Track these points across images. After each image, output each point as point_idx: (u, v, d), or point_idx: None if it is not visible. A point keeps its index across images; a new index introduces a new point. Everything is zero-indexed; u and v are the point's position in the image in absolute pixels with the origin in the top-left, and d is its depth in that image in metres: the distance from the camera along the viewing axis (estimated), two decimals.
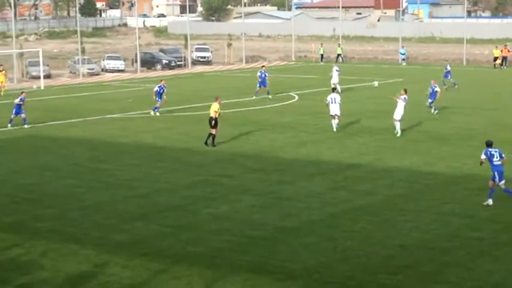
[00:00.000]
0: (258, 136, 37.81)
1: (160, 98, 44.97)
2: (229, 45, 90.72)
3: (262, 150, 34.00)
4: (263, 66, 56.81)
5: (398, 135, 36.72)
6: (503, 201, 24.73)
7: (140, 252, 20.17)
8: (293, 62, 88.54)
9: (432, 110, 43.53)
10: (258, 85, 52.68)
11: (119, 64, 79.99)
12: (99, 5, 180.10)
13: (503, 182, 24.49)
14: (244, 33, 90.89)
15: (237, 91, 56.04)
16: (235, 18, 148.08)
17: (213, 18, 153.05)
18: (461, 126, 40.04)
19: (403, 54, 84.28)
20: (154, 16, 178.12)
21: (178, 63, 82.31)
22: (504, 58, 78.40)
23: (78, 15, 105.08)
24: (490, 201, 24.26)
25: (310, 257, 19.57)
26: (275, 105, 49.40)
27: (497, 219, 22.76)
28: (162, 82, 45.95)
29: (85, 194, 26.60)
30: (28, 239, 21.52)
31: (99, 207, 24.83)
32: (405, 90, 38.08)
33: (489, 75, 70.79)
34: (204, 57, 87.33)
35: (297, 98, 52.92)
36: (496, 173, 24.48)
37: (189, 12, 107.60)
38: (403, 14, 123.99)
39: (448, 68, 58.54)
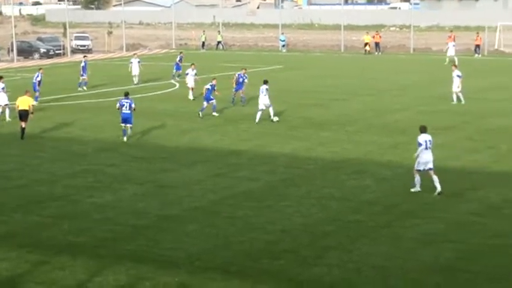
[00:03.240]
0: (140, 125, 37.55)
1: (38, 87, 44.31)
2: (110, 33, 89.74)
3: (145, 139, 33.91)
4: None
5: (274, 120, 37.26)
6: (380, 184, 25.47)
7: (19, 243, 19.86)
8: (174, 50, 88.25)
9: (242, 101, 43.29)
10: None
11: None
12: None
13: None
14: (124, 21, 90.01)
15: (118, 79, 55.52)
16: (114, 6, 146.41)
17: (93, 6, 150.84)
18: (339, 112, 40.85)
19: (283, 41, 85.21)
20: (29, 4, 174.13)
21: (57, 52, 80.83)
22: (377, 44, 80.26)
23: None
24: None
25: (193, 244, 19.70)
26: (156, 93, 49.23)
27: (375, 201, 23.41)
28: (41, 71, 45.32)
29: None
30: None
31: None
32: (265, 81, 38.19)
33: (366, 61, 72.33)
34: (84, 46, 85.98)
35: (177, 86, 52.87)
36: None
37: (68, 0, 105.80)
38: (282, 1, 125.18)
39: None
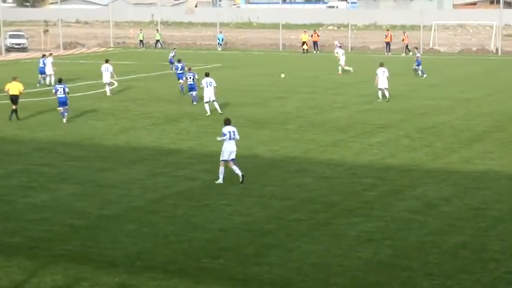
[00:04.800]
0: (78, 123, 37.22)
1: None
2: (46, 31, 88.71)
3: (83, 138, 33.52)
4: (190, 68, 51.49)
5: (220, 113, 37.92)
6: (320, 182, 25.52)
7: None
8: (112, 48, 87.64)
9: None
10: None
11: None
12: None
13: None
14: (61, 19, 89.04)
15: (55, 77, 54.74)
16: (51, 4, 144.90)
17: (28, 4, 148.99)
18: (278, 110, 40.92)
19: (221, 40, 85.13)
20: None
21: None
22: (315, 43, 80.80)
23: None
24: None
25: (132, 243, 19.48)
26: (93, 92, 48.72)
27: (314, 200, 23.42)
28: None
29: None
30: None
31: None
32: (207, 74, 39.74)
33: (304, 60, 72.63)
34: (19, 44, 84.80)
35: (116, 84, 52.40)
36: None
37: None
38: (220, 0, 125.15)
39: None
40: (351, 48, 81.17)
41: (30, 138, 33.58)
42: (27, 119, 38.54)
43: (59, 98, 37.45)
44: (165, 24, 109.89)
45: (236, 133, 25.95)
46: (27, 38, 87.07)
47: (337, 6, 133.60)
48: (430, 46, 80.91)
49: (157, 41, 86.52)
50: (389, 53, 76.92)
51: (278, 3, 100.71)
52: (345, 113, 39.73)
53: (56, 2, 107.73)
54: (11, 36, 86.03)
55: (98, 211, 22.41)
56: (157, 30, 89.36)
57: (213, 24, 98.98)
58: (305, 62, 69.69)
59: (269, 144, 31.98)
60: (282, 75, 54.84)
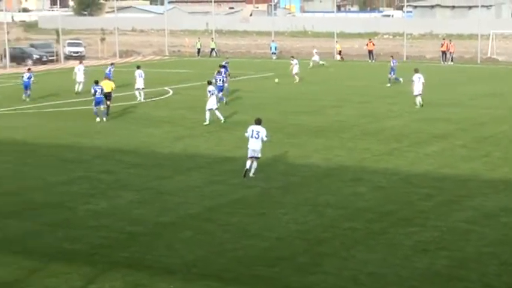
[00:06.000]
0: (136, 131, 37.63)
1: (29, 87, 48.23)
2: (103, 39, 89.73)
3: (140, 145, 33.87)
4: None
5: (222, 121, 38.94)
6: (375, 191, 25.47)
7: (13, 250, 19.78)
8: (167, 57, 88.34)
9: None
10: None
11: None
12: None
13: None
14: (117, 28, 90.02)
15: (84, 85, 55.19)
16: (107, 12, 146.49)
17: (85, 12, 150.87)
18: (333, 118, 40.91)
19: (275, 49, 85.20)
20: (19, 11, 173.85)
21: (50, 58, 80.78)
22: (370, 52, 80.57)
23: None
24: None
25: (188, 251, 19.64)
26: (151, 99, 49.21)
27: (369, 209, 23.37)
28: (30, 71, 49.59)
29: None
30: None
31: None
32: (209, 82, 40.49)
33: (359, 68, 72.45)
34: (77, 52, 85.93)
35: (171, 92, 52.87)
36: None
37: (61, 7, 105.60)
38: (275, 9, 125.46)
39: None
40: (406, 57, 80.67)
41: (90, 145, 34.04)
42: (87, 126, 39.06)
43: (96, 98, 39.99)
44: (220, 32, 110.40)
45: (261, 134, 27.02)
46: (84, 46, 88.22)
47: (392, 15, 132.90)
48: (488, 55, 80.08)
49: (212, 49, 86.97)
50: (445, 62, 76.34)
51: (333, 12, 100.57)
52: (400, 121, 39.56)
53: (113, 11, 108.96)
54: (70, 45, 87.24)
55: (155, 218, 22.65)
56: (212, 38, 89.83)
57: (267, 33, 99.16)
58: (360, 71, 69.50)
59: (324, 152, 31.98)
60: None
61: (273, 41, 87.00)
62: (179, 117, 41.48)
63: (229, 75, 49.05)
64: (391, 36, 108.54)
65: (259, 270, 18.24)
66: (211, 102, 39.01)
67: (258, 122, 27.52)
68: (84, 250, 19.83)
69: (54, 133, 37.23)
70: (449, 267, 18.32)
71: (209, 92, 39.18)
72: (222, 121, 38.88)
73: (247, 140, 27.54)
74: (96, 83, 41.20)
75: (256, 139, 27.04)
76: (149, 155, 31.89)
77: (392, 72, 56.59)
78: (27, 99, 48.57)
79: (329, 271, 18.15)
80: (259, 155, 27.37)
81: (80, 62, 55.03)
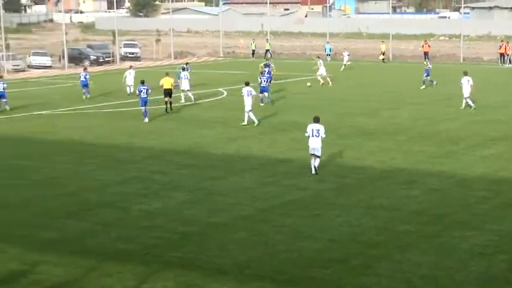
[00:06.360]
0: (188, 132, 37.80)
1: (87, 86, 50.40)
2: (158, 41, 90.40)
3: (193, 146, 34.00)
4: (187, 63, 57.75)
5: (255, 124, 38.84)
6: (429, 194, 25.20)
7: (71, 250, 19.98)
8: (221, 58, 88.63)
9: None
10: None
11: (45, 60, 79.12)
12: (23, 0, 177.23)
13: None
14: (173, 29, 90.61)
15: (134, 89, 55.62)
16: (163, 13, 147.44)
17: (141, 14, 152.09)
18: (388, 120, 40.62)
19: (330, 50, 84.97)
20: (77, 12, 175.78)
21: (106, 59, 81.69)
22: (426, 53, 79.88)
23: (2, 11, 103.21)
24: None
25: (241, 252, 19.63)
26: (205, 100, 49.40)
27: (423, 212, 23.13)
28: (86, 70, 51.80)
29: (10, 192, 26.17)
30: None
31: (25, 205, 24.47)
32: (246, 83, 39.99)
33: (413, 70, 71.82)
34: (133, 53, 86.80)
35: (225, 93, 52.99)
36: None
37: (117, 8, 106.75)
38: (330, 10, 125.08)
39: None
40: (463, 59, 79.87)
41: (143, 146, 34.27)
42: (141, 126, 39.35)
43: (142, 98, 40.69)
44: (275, 34, 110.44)
45: (320, 131, 27.69)
46: (140, 48, 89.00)
47: (449, 17, 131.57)
48: None
49: (267, 50, 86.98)
50: (504, 65, 75.37)
51: (388, 13, 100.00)
52: (456, 124, 39.11)
53: (168, 12, 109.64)
54: (125, 46, 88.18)
55: (208, 219, 22.68)
56: (267, 40, 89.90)
57: (322, 34, 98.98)
58: (414, 73, 68.89)
59: (378, 155, 31.75)
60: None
61: (327, 42, 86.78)
62: (233, 118, 41.53)
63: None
64: (447, 38, 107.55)
65: (313, 272, 18.16)
66: (248, 104, 38.94)
67: (317, 120, 28.11)
68: (137, 250, 19.94)
69: (109, 133, 37.59)
70: (508, 271, 18.02)
71: (247, 92, 39.06)
72: (256, 124, 38.78)
73: (307, 139, 27.64)
74: (142, 83, 41.65)
75: (316, 137, 27.69)
76: (202, 156, 31.99)
77: (426, 74, 56.11)
78: (88, 97, 50.46)
79: (382, 273, 18.00)
80: (320, 153, 27.86)
81: (130, 67, 55.68)
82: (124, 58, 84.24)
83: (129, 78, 53.06)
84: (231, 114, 42.96)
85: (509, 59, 75.89)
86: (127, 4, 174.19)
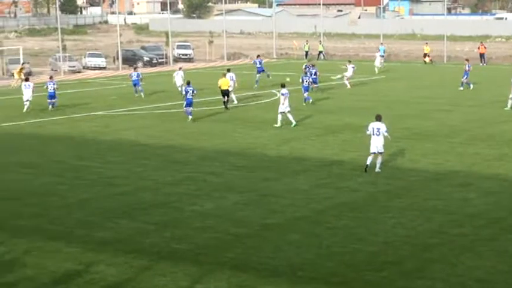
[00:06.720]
0: (241, 133, 37.86)
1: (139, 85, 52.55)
2: (211, 42, 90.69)
3: (246, 147, 34.05)
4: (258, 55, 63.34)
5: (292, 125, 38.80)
6: (485, 197, 24.91)
7: (125, 249, 20.15)
8: (274, 59, 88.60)
9: None
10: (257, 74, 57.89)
11: (100, 61, 79.88)
12: (79, 2, 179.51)
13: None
14: (226, 31, 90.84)
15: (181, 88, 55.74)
16: (216, 15, 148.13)
17: (194, 15, 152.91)
18: (442, 122, 40.25)
19: (383, 51, 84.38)
20: (130, 13, 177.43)
21: (159, 60, 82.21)
22: (481, 55, 78.99)
23: (59, 12, 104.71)
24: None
25: (294, 253, 19.61)
26: (258, 102, 49.45)
27: (479, 215, 22.89)
28: (138, 70, 53.64)
29: (68, 192, 26.49)
30: (9, 237, 21.39)
31: (82, 205, 24.77)
32: (282, 85, 39.77)
33: (470, 72, 70.97)
34: (186, 55, 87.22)
35: (278, 95, 52.89)
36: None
37: (170, 10, 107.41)
38: (383, 11, 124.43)
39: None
40: None
41: (195, 146, 34.42)
42: (194, 127, 39.51)
43: (187, 99, 41.09)
44: (328, 35, 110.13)
45: (381, 130, 28.06)
46: (193, 49, 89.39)
47: (506, 18, 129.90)
48: None
49: (320, 52, 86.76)
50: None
51: (443, 14, 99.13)
52: (510, 126, 38.59)
53: (221, 14, 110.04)
54: (179, 47, 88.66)
55: (261, 220, 22.69)
56: (320, 41, 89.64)
57: (376, 36, 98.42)
58: (471, 75, 68.11)
59: (432, 157, 31.47)
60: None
61: (381, 44, 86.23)
62: (285, 120, 41.41)
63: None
64: (503, 40, 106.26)
65: (366, 275, 18.08)
66: (284, 105, 38.86)
67: (378, 118, 28.59)
68: (190, 250, 20.03)
69: (163, 134, 37.83)
70: None
71: (282, 94, 38.99)
72: (293, 125, 38.74)
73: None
74: (188, 84, 42.17)
75: (377, 136, 28.11)
76: (255, 157, 32.02)
77: (465, 76, 55.47)
78: (142, 95, 52.09)
79: (437, 277, 17.85)
80: (383, 150, 28.31)
81: (180, 68, 56.18)
82: (177, 59, 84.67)
83: (178, 79, 53.52)
84: (284, 116, 42.87)
85: None
86: (180, 6, 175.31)
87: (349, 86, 56.54)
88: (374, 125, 28.33)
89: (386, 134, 28.22)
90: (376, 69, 69.36)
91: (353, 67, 58.18)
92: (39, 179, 28.52)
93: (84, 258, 19.44)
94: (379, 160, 28.36)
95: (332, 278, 17.90)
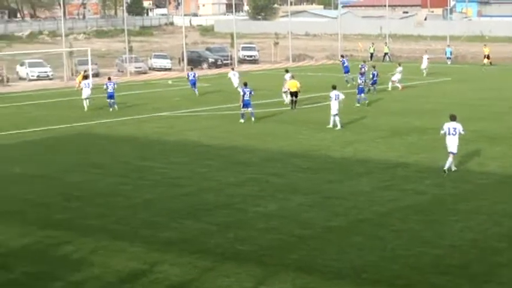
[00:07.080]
0: (306, 135, 37.74)
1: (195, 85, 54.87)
2: (276, 44, 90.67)
3: (310, 149, 33.91)
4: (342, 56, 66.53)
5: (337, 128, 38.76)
6: None
7: (189, 250, 20.20)
8: (339, 61, 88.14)
9: None
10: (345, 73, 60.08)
11: (166, 63, 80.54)
12: (146, 4, 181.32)
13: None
14: (291, 32, 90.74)
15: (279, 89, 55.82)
16: (281, 17, 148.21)
17: (260, 17, 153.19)
18: (511, 125, 39.54)
19: (450, 53, 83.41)
20: (195, 15, 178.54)
21: (224, 62, 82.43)
22: None
23: (126, 14, 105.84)
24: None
25: (358, 256, 19.44)
26: (321, 104, 49.20)
27: None
28: (193, 70, 57.02)
29: (133, 192, 26.70)
30: (78, 236, 21.65)
31: (147, 205, 24.94)
32: (334, 87, 40.06)
33: None
34: (251, 56, 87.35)
35: (343, 96, 52.56)
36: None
37: (236, 11, 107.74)
38: (451, 13, 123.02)
39: None
40: None
41: (260, 148, 34.38)
42: (257, 128, 39.51)
43: (245, 100, 41.41)
44: (393, 37, 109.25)
45: (458, 129, 27.96)
46: (258, 50, 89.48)
47: None
48: None
49: (386, 54, 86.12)
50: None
51: None
52: None
53: (287, 15, 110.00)
54: (244, 49, 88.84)
55: (325, 222, 22.55)
56: (386, 43, 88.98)
57: (442, 37, 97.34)
58: None
59: (502, 160, 30.92)
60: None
61: (448, 45, 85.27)
62: (349, 121, 41.20)
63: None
64: None
65: (431, 278, 17.84)
66: (335, 107, 38.61)
67: (453, 118, 28.50)
68: (254, 251, 19.98)
69: (226, 135, 37.90)
70: None
71: (335, 96, 38.77)
72: (338, 128, 38.55)
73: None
74: (245, 85, 42.37)
75: (453, 136, 27.97)
76: (319, 159, 31.86)
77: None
78: (196, 94, 54.65)
79: (505, 282, 17.52)
80: (456, 151, 28.13)
81: (232, 69, 57.02)
82: (242, 61, 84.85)
83: (234, 79, 54.35)
84: (347, 118, 42.62)
85: None
86: (246, 7, 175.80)
87: (400, 87, 55.93)
88: (450, 125, 28.18)
89: (463, 132, 28.20)
90: (424, 72, 67.90)
91: (401, 71, 57.30)
92: (106, 180, 28.81)
93: (148, 258, 19.53)
94: (450, 160, 28.20)
95: (396, 281, 17.69)
